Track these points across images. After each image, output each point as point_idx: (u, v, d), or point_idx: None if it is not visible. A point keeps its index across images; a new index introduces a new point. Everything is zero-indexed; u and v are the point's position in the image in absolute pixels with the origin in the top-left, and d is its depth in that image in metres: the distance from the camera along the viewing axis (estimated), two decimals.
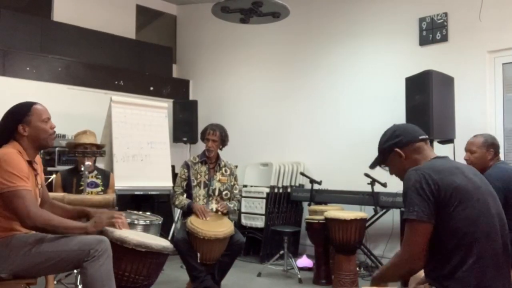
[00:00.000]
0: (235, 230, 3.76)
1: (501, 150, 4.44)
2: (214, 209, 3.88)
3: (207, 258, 3.59)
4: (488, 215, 1.72)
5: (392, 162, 1.96)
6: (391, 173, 2.01)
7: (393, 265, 1.77)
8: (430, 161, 1.85)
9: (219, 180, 4.00)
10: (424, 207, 1.67)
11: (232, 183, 4.05)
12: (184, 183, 4.01)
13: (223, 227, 3.60)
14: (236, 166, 4.49)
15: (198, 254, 3.58)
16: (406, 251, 1.70)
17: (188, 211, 3.88)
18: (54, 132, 2.43)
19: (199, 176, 3.99)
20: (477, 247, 1.66)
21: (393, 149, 1.92)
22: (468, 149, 3.24)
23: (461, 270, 1.64)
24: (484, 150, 3.15)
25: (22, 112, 2.36)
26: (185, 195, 3.98)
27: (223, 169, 4.05)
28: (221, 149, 4.06)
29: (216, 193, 3.96)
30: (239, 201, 4.15)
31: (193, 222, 3.61)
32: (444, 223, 1.68)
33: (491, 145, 3.17)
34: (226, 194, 3.99)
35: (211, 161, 4.03)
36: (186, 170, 4.02)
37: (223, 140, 4.01)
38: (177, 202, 3.96)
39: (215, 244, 3.54)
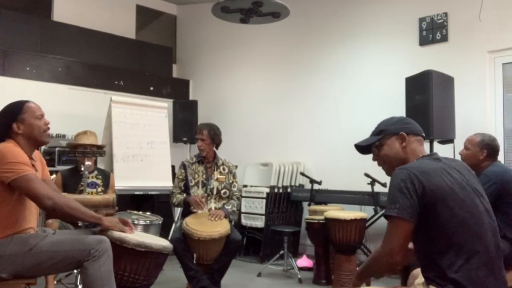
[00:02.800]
0: (232, 228, 3.73)
1: (501, 150, 4.46)
2: (213, 208, 3.86)
3: (204, 258, 3.58)
4: (476, 213, 1.72)
5: (390, 145, 1.94)
6: (380, 161, 1.98)
7: (373, 259, 1.79)
8: (418, 160, 1.86)
9: (217, 179, 3.95)
10: (405, 206, 1.68)
11: (230, 181, 4.02)
12: (182, 184, 3.99)
13: (219, 227, 3.57)
14: (236, 166, 4.47)
15: (195, 255, 3.57)
16: (385, 245, 1.72)
17: (185, 206, 3.86)
18: (48, 128, 2.46)
19: (196, 176, 3.97)
20: (467, 247, 1.66)
21: (399, 132, 1.92)
22: (464, 145, 3.25)
23: (453, 271, 1.65)
24: (477, 149, 3.12)
25: (15, 111, 2.38)
26: (184, 195, 3.96)
27: (221, 167, 4.01)
28: (216, 148, 4.02)
29: (215, 192, 3.93)
30: (238, 199, 4.09)
31: (188, 223, 3.59)
32: (432, 224, 1.70)
33: (486, 146, 3.12)
34: (224, 193, 3.96)
35: (208, 160, 3.99)
36: (183, 171, 4.00)
37: (213, 138, 3.93)
38: (174, 200, 3.95)
39: (211, 245, 3.52)
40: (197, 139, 3.94)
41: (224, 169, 4.02)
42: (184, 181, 3.99)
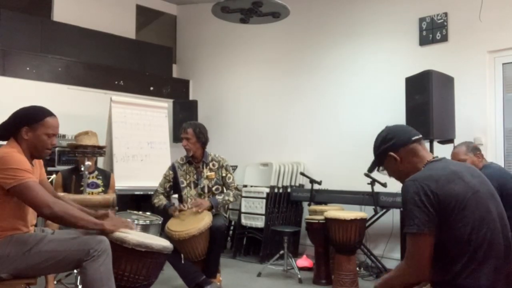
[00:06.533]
0: (218, 216, 3.72)
1: (501, 150, 4.48)
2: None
3: (193, 256, 3.56)
4: (490, 219, 1.70)
5: (388, 166, 1.93)
6: (390, 176, 1.99)
7: (399, 276, 1.74)
8: (427, 167, 1.82)
9: (206, 177, 3.90)
10: (424, 220, 1.66)
11: (223, 175, 3.94)
12: (167, 185, 3.96)
13: (198, 222, 3.52)
14: (236, 166, 4.47)
15: (182, 255, 3.55)
16: (411, 264, 1.69)
17: (164, 212, 3.82)
18: (51, 148, 2.42)
19: (188, 176, 3.92)
20: (480, 253, 1.65)
21: (387, 154, 1.89)
22: (456, 160, 3.23)
23: (464, 276, 1.63)
24: (472, 155, 3.17)
25: (34, 117, 2.36)
26: (165, 200, 3.93)
27: (210, 164, 3.94)
28: (203, 146, 3.94)
29: (206, 190, 3.87)
30: (237, 189, 3.99)
31: (169, 226, 3.59)
32: (446, 231, 1.67)
33: (474, 148, 3.21)
34: (217, 189, 3.90)
35: (197, 160, 3.93)
36: (171, 172, 3.96)
37: (198, 136, 3.85)
38: (156, 200, 3.90)
39: (193, 242, 3.50)
40: (182, 138, 3.88)
41: (214, 165, 3.95)
42: (170, 182, 3.96)
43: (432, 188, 1.68)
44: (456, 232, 1.66)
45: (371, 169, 2.02)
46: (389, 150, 1.88)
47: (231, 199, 3.90)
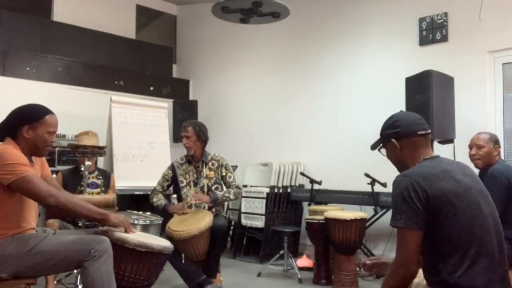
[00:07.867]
0: (219, 216, 3.73)
1: (501, 150, 4.47)
2: (207, 207, 3.84)
3: (193, 256, 3.57)
4: (481, 217, 1.70)
5: (388, 150, 1.98)
6: (388, 158, 2.02)
7: (390, 273, 1.76)
8: (419, 164, 1.83)
9: (206, 176, 3.91)
10: (411, 215, 1.67)
11: (223, 174, 3.96)
12: (166, 184, 3.98)
13: (198, 222, 3.54)
14: (236, 166, 4.46)
15: (183, 255, 3.56)
16: (398, 256, 1.71)
17: (164, 212, 3.83)
18: (52, 145, 2.44)
19: (187, 176, 3.94)
20: (472, 251, 1.65)
21: (390, 139, 1.92)
22: (474, 144, 3.25)
23: (457, 276, 1.64)
24: (491, 146, 3.19)
25: (33, 116, 2.36)
26: (164, 200, 3.94)
27: (210, 163, 3.96)
28: (204, 145, 3.95)
29: (206, 189, 3.88)
30: (238, 187, 4.01)
31: (170, 225, 3.60)
32: (437, 229, 1.68)
33: (496, 142, 3.22)
34: (216, 188, 3.91)
35: (196, 159, 3.95)
36: (170, 171, 3.98)
37: (199, 134, 3.87)
38: (155, 199, 3.91)
39: (194, 241, 3.51)
40: (182, 137, 3.89)
41: (213, 164, 3.97)
42: (169, 181, 3.98)
43: (421, 184, 1.69)
44: (447, 230, 1.67)
45: (374, 147, 2.05)
46: (392, 136, 1.91)
47: (232, 196, 3.93)
